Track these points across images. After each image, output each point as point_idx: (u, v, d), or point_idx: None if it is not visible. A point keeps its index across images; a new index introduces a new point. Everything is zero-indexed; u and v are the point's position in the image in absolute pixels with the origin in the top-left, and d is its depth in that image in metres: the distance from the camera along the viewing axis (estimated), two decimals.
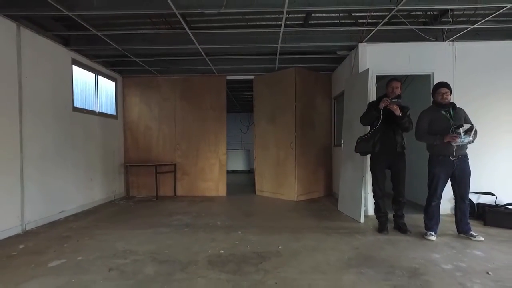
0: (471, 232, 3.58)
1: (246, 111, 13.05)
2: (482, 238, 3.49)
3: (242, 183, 8.86)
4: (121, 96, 6.77)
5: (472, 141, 3.46)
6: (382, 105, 3.76)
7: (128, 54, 5.34)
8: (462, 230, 3.63)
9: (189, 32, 4.33)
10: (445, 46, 4.77)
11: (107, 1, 3.66)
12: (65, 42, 4.91)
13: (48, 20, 4.27)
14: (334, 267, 2.80)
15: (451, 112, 3.56)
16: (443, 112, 3.58)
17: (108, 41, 4.69)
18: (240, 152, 12.24)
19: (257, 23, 4.51)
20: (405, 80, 5.95)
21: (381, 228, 3.85)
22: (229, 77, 6.83)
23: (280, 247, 3.31)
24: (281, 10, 3.71)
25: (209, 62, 5.83)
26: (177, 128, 6.80)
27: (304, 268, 2.77)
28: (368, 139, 3.89)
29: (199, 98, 6.77)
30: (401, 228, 3.84)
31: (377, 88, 4.90)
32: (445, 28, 4.56)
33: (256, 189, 6.77)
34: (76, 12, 3.72)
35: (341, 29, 4.52)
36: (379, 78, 5.16)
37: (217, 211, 5.21)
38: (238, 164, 12.03)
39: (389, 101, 3.74)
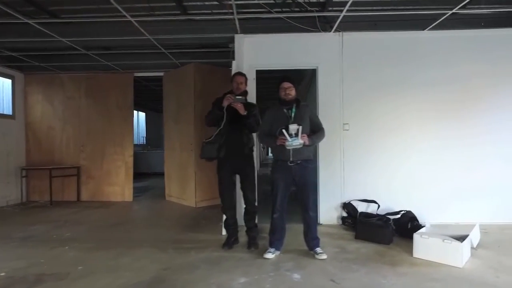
0: (317, 248, 3.08)
1: None
2: (324, 257, 3.00)
3: None
4: (21, 94, 6.32)
5: (309, 144, 2.98)
6: (225, 103, 3.29)
7: None
8: (308, 245, 3.15)
9: (31, 22, 3.88)
10: (331, 37, 4.28)
11: None
12: None
13: None
14: None
15: (293, 110, 3.08)
16: (285, 110, 3.11)
17: None
18: None
19: (112, 13, 3.94)
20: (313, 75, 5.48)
21: (224, 243, 3.37)
22: (137, 74, 6.38)
23: (80, 267, 2.86)
24: None
25: (97, 58, 5.39)
26: (82, 128, 6.34)
27: None
28: (213, 142, 3.38)
29: (105, 96, 6.30)
30: (249, 242, 3.35)
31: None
32: (329, 17, 4.08)
33: (165, 194, 6.32)
34: None
35: (197, 18, 4.06)
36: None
37: (89, 219, 4.74)
38: None
39: (233, 98, 3.28)
